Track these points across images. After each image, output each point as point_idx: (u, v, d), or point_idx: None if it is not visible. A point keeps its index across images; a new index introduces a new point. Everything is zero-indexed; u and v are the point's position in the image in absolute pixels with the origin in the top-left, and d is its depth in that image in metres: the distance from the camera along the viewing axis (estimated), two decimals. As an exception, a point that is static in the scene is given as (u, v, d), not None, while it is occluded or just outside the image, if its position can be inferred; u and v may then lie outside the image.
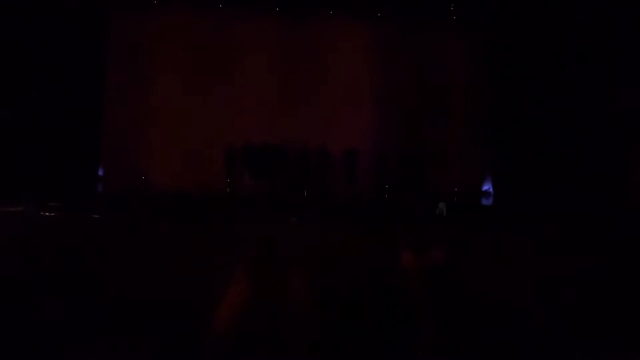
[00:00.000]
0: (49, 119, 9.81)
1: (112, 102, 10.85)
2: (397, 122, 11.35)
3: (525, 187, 10.18)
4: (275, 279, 1.55)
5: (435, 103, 11.45)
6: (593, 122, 9.51)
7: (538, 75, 10.30)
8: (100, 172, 10.92)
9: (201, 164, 10.88)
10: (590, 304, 3.15)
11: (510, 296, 3.19)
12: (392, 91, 11.37)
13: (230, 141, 10.89)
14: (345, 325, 2.12)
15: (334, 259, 3.75)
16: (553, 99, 10.13)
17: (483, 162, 11.49)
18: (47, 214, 7.59)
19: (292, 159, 11.06)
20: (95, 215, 7.65)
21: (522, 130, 10.46)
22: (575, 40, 9.77)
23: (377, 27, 11.46)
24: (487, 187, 11.58)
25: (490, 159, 11.41)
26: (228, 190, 10.80)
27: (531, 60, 10.35)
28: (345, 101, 11.28)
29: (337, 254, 4.12)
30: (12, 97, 9.63)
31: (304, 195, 10.57)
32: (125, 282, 3.44)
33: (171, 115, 11.02)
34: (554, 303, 3.19)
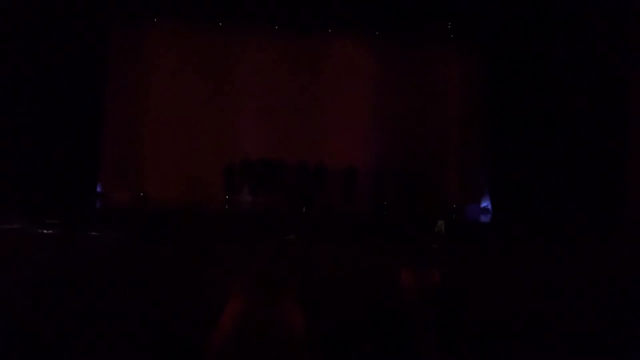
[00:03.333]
0: (47, 134, 9.81)
1: (111, 118, 10.89)
2: (395, 139, 11.38)
3: (523, 203, 10.18)
4: (271, 298, 1.53)
5: (433, 120, 11.50)
6: (593, 137, 9.55)
7: (537, 93, 10.36)
8: (99, 189, 10.92)
9: (199, 180, 10.89)
10: (595, 321, 3.13)
11: (512, 313, 3.17)
12: (390, 108, 11.43)
13: (228, 158, 10.92)
14: (343, 347, 2.10)
15: (331, 277, 3.72)
16: (552, 115, 10.18)
17: (481, 178, 11.51)
18: (45, 231, 7.55)
19: (291, 176, 11.07)
20: (93, 232, 7.61)
21: (520, 147, 10.49)
22: (575, 56, 9.85)
23: (375, 44, 11.57)
24: (485, 203, 11.57)
25: (488, 175, 11.43)
26: (226, 207, 10.79)
27: (530, 78, 10.42)
28: (343, 118, 11.33)
29: (335, 272, 4.09)
30: (8, 113, 9.64)
31: (302, 212, 10.55)
32: (123, 299, 3.41)
33: (170, 132, 11.07)
34: (557, 319, 3.17)
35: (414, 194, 11.05)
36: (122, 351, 2.69)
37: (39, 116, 9.79)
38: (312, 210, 10.66)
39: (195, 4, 10.54)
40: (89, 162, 10.50)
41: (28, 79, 9.72)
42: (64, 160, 9.88)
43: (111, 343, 2.78)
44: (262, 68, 11.33)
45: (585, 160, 9.60)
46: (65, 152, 9.92)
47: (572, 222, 8.98)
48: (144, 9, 10.83)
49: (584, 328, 2.99)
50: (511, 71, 10.66)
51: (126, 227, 8.49)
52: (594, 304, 3.37)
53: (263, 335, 1.40)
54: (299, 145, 11.03)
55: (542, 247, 7.02)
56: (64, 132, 9.94)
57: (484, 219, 11.27)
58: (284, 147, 11.00)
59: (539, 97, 10.31)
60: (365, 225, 9.45)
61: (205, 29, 11.26)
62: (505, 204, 10.76)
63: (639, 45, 9.03)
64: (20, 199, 9.05)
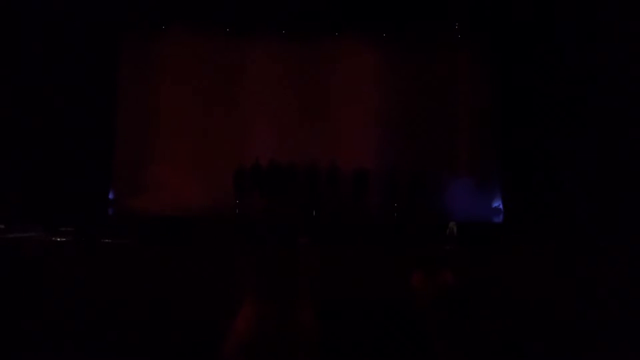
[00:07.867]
0: (59, 143, 9.93)
1: (123, 125, 11.00)
2: (405, 141, 11.33)
3: (535, 203, 10.09)
4: (284, 301, 1.54)
5: (444, 121, 11.45)
6: (604, 137, 9.45)
7: (547, 91, 10.28)
8: (111, 196, 11.01)
9: (211, 185, 10.92)
10: (607, 321, 3.10)
11: (523, 313, 3.16)
12: (400, 110, 11.39)
13: (239, 162, 10.95)
14: (356, 349, 2.10)
15: (343, 280, 3.73)
16: (563, 114, 10.09)
17: (492, 179, 11.43)
18: (59, 238, 7.63)
19: (302, 179, 11.07)
20: (106, 239, 7.67)
21: (531, 147, 10.41)
22: (586, 55, 9.76)
23: (383, 47, 11.54)
24: (497, 204, 11.50)
25: (499, 175, 11.35)
26: (237, 211, 10.81)
27: (540, 77, 10.34)
28: (353, 121, 11.31)
29: (347, 274, 4.10)
30: (22, 122, 9.76)
31: (313, 215, 10.55)
32: (136, 304, 3.44)
33: (181, 138, 11.14)
34: (568, 319, 3.15)
35: (425, 196, 11.00)
36: (136, 353, 2.72)
37: (51, 126, 9.91)
38: (324, 213, 10.65)
39: (204, 11, 10.62)
40: (101, 169, 10.60)
41: (40, 90, 9.85)
42: (76, 168, 9.97)
43: (124, 346, 2.81)
44: (271, 72, 11.36)
45: (596, 158, 9.50)
46: (77, 160, 10.02)
47: (586, 221, 8.89)
48: (153, 17, 10.93)
49: (597, 328, 2.97)
50: (520, 72, 10.58)
51: (138, 233, 8.55)
52: (608, 304, 3.35)
53: (276, 337, 1.41)
54: (309, 148, 11.02)
55: (555, 247, 6.96)
56: (76, 141, 10.04)
57: (496, 219, 11.18)
58: (294, 151, 11.02)
59: (548, 97, 10.23)
60: (377, 228, 9.43)
61: (214, 35, 11.32)
62: (517, 204, 10.67)
63: None
64: (34, 208, 9.16)
